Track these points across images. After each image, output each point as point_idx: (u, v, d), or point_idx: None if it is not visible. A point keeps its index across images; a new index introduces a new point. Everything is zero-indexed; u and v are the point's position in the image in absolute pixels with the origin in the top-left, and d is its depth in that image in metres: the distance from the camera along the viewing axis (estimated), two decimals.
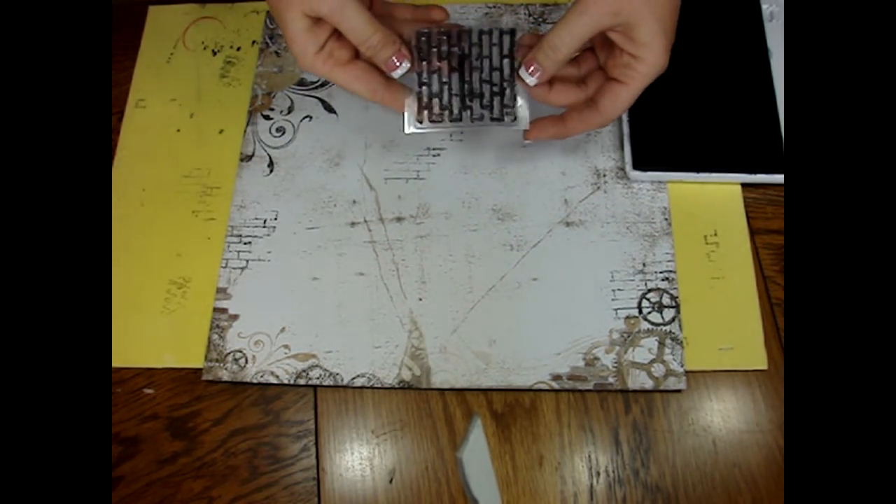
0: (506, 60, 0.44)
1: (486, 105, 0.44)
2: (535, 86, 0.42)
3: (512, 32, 0.44)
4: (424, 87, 0.44)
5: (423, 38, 0.44)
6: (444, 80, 0.44)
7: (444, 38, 0.44)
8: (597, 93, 0.42)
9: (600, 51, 0.43)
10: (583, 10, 0.38)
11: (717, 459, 0.43)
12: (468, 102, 0.44)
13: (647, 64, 0.39)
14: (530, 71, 0.41)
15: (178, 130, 0.55)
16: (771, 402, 0.44)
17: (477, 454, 0.42)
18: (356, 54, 0.43)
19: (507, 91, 0.44)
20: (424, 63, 0.44)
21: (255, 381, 0.46)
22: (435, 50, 0.43)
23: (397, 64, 0.42)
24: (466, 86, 0.44)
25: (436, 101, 0.44)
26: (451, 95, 0.44)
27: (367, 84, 0.43)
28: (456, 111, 0.44)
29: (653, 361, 0.45)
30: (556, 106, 0.44)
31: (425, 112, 0.44)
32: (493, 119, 0.44)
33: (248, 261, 0.50)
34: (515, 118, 0.44)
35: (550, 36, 0.40)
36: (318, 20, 0.40)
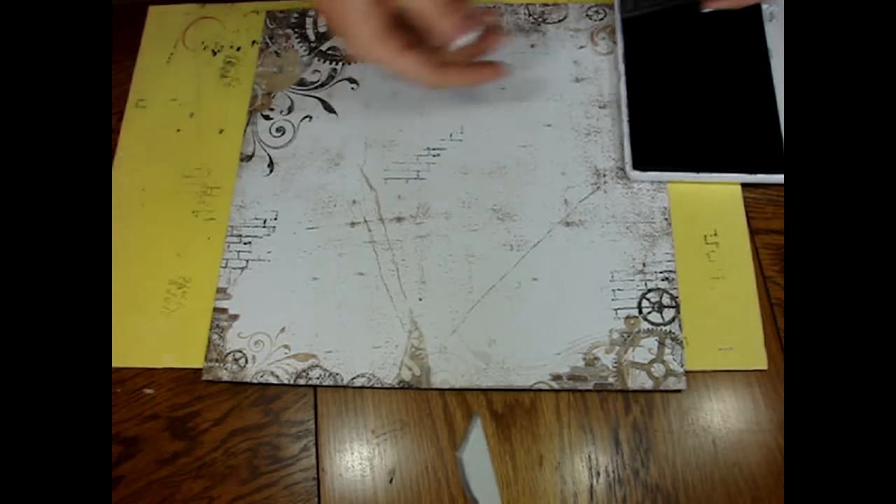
0: None
1: None
2: None
3: None
4: None
5: None
6: None
7: None
8: None
9: None
10: None
11: (717, 459, 0.43)
12: None
13: None
14: None
15: (178, 130, 0.55)
16: (771, 402, 0.44)
17: (477, 454, 0.42)
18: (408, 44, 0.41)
19: None
20: None
21: (255, 381, 0.46)
22: None
23: (462, 32, 0.39)
24: None
25: None
26: None
27: (428, 68, 0.40)
28: None
29: (653, 361, 0.45)
30: None
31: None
32: None
33: (248, 261, 0.50)
34: None
35: None
36: None
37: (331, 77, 0.55)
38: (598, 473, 0.43)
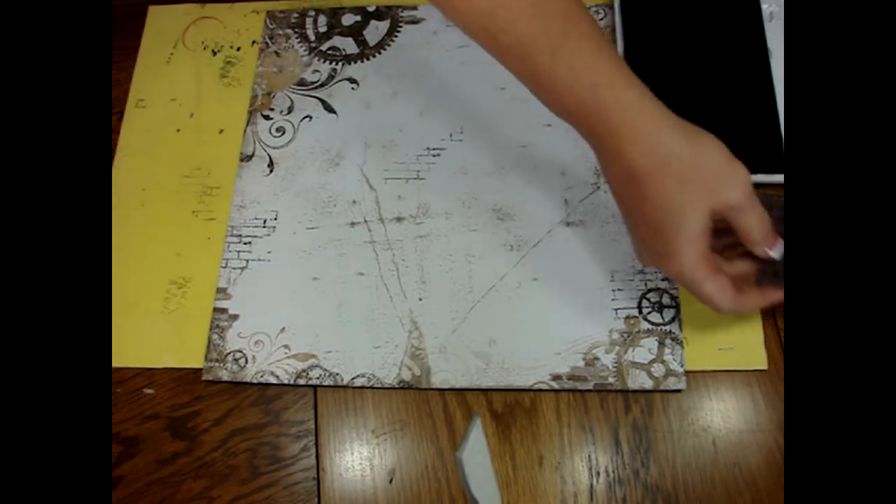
0: None
1: None
2: None
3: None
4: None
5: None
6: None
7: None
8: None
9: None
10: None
11: (717, 459, 0.43)
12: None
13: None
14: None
15: (178, 130, 0.55)
16: (771, 402, 0.44)
17: (477, 454, 0.42)
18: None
19: None
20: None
21: (255, 381, 0.46)
22: None
23: (776, 242, 0.41)
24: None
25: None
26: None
27: (731, 292, 0.41)
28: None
29: (653, 361, 0.45)
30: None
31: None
32: None
33: (248, 261, 0.50)
34: None
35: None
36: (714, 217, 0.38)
37: (331, 77, 0.55)
38: (598, 473, 0.43)
